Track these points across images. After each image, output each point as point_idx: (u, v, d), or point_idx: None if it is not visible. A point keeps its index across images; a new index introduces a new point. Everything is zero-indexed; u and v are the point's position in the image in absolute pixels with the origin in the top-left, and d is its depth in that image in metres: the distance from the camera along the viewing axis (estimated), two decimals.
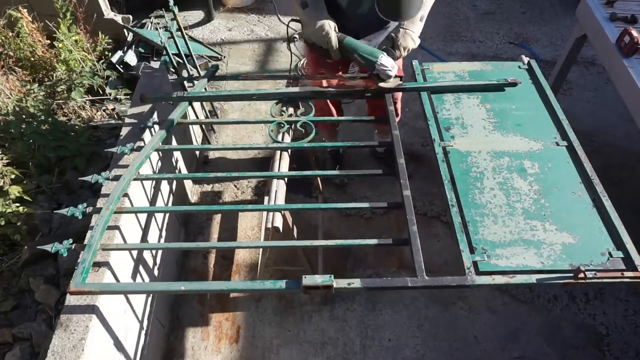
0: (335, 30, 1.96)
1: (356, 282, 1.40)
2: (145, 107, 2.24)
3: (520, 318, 2.41)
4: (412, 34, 2.00)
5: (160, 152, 2.22)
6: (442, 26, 4.25)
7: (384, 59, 1.95)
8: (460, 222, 1.58)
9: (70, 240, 1.58)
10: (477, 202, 1.66)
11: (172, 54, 2.39)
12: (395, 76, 2.02)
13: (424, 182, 2.93)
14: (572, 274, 1.44)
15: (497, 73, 2.20)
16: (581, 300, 2.48)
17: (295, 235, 1.99)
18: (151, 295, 2.08)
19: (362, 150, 3.13)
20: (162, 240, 2.26)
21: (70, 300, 1.57)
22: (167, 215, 2.35)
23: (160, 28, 2.61)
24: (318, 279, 1.37)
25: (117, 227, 1.77)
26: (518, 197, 1.68)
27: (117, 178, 1.77)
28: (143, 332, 1.96)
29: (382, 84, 2.02)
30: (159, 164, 2.24)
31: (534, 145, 1.87)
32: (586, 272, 1.40)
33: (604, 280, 1.43)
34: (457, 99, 2.06)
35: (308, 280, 1.37)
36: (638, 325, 2.39)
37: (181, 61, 2.56)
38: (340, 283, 1.40)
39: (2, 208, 2.15)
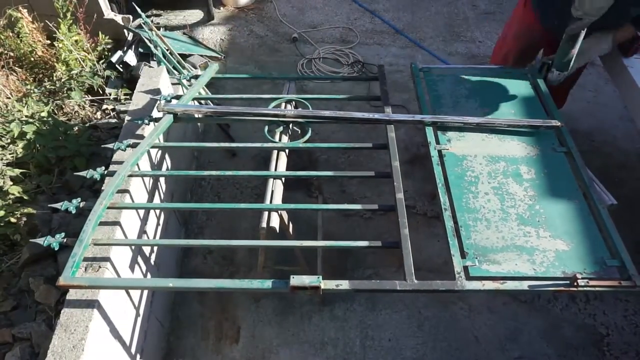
0: None
1: (344, 284, 1.40)
2: (145, 106, 2.24)
3: (520, 318, 2.41)
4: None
5: (159, 150, 2.22)
6: (442, 26, 4.25)
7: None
8: (453, 226, 1.57)
9: (63, 234, 1.58)
10: (470, 207, 1.65)
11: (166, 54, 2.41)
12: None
13: (423, 182, 2.93)
14: (564, 282, 1.44)
15: (498, 77, 2.19)
16: (581, 301, 2.48)
17: (293, 235, 1.99)
18: (151, 295, 2.08)
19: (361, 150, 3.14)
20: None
21: (70, 300, 1.57)
22: (167, 214, 2.35)
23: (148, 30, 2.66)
24: (306, 280, 1.37)
25: (116, 225, 1.77)
26: (513, 202, 1.67)
27: (113, 174, 1.77)
28: (143, 332, 1.96)
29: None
30: (159, 161, 2.24)
31: (531, 151, 1.86)
32: (579, 281, 1.39)
33: (597, 289, 1.42)
34: (456, 102, 2.06)
35: (296, 280, 1.37)
36: (638, 325, 2.39)
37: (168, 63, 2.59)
38: (328, 284, 1.39)
39: (2, 208, 2.15)
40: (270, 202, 1.85)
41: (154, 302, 2.11)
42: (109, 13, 3.51)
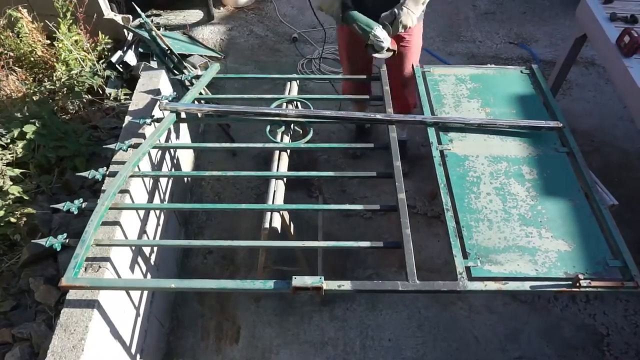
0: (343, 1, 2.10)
1: (346, 284, 1.40)
2: (145, 106, 2.24)
3: (520, 318, 2.41)
4: (411, 14, 2.10)
5: (159, 150, 2.22)
6: (442, 26, 4.26)
7: (378, 31, 2.06)
8: (455, 226, 1.57)
9: (65, 235, 1.58)
10: (472, 207, 1.65)
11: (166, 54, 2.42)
12: (389, 49, 2.12)
13: (424, 182, 2.93)
14: (566, 282, 1.43)
15: (499, 77, 2.19)
16: (581, 300, 2.48)
17: (294, 235, 1.99)
18: (151, 294, 2.08)
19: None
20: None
21: (70, 300, 1.57)
22: (168, 214, 2.35)
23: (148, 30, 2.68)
24: (308, 280, 1.37)
25: (116, 225, 1.77)
26: (515, 202, 1.67)
27: (114, 174, 1.77)
28: (143, 332, 1.96)
29: (375, 55, 2.14)
30: (159, 161, 2.24)
31: (533, 151, 1.86)
32: (581, 281, 1.39)
33: (599, 289, 1.42)
34: (457, 102, 2.06)
35: (298, 281, 1.37)
36: (638, 325, 2.39)
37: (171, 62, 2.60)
38: (330, 285, 1.39)
39: (2, 208, 2.15)
40: (273, 202, 1.85)
41: (154, 302, 2.11)
42: (108, 13, 3.51)
